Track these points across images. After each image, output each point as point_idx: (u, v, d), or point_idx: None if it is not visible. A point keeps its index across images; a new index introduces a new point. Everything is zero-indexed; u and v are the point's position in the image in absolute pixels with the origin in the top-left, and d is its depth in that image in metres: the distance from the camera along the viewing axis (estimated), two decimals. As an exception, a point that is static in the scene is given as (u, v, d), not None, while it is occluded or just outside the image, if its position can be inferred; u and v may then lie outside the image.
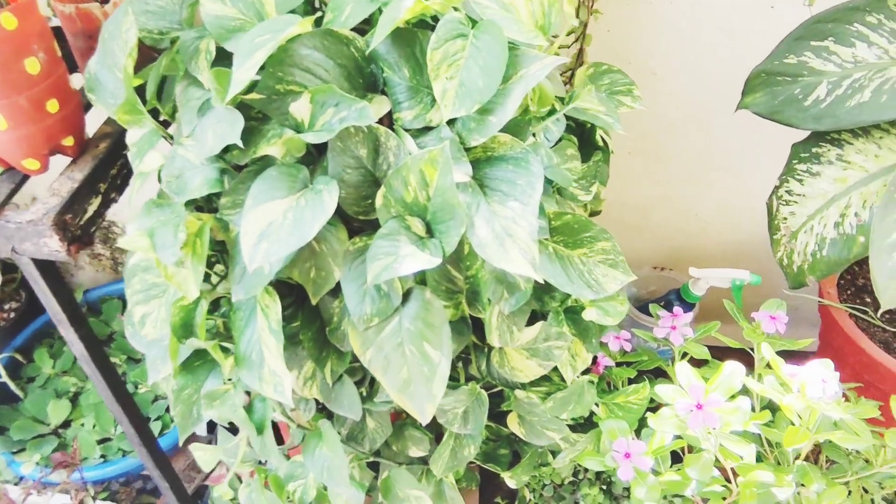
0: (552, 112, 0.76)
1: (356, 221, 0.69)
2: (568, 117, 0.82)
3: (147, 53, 0.79)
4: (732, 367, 0.85)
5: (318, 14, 0.69)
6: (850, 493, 0.98)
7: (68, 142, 0.84)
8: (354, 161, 0.66)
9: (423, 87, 0.66)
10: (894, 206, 0.80)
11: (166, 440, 1.34)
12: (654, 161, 1.28)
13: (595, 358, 1.00)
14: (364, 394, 0.84)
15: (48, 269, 0.88)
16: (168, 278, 0.71)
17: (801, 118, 0.93)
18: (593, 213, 1.32)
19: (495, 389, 0.92)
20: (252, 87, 0.65)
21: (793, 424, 0.85)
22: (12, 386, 1.41)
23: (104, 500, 1.32)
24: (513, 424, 0.94)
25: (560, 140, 0.79)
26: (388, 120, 0.68)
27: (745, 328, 0.98)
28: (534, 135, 0.75)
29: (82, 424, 1.37)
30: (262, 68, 0.64)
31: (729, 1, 1.07)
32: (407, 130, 0.67)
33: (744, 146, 1.18)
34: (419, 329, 0.67)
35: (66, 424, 1.39)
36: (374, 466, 0.96)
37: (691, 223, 1.36)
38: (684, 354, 0.99)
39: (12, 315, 1.48)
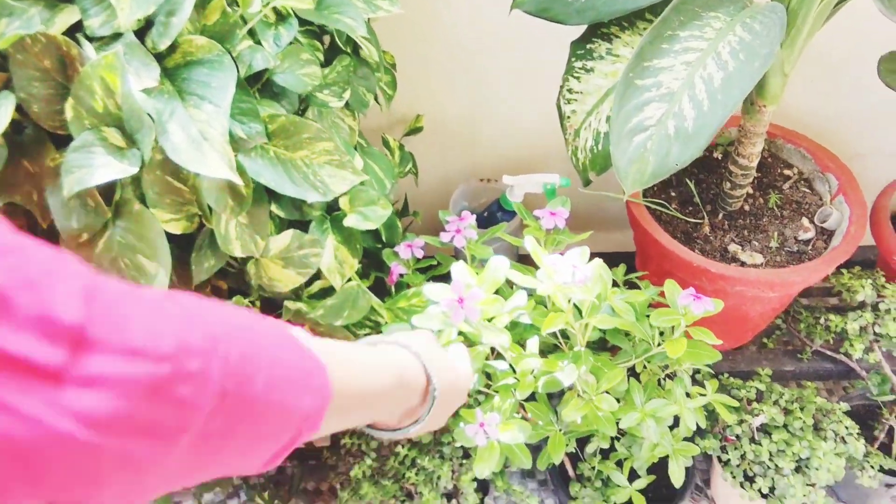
0: (283, 18, 0.75)
1: (66, 136, 0.68)
2: (308, 22, 0.81)
3: None
4: (497, 262, 0.88)
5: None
6: (639, 375, 1.03)
7: None
8: (41, 73, 0.64)
9: (106, -9, 0.64)
10: (633, 92, 0.82)
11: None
12: (472, 73, 1.28)
13: (389, 268, 1.01)
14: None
15: None
16: None
17: (566, 13, 0.94)
18: (414, 131, 1.33)
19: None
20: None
21: (556, 310, 0.88)
22: None
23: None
24: (305, 337, 0.95)
25: (295, 45, 0.78)
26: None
27: (530, 225, 1.01)
28: (256, 40, 0.74)
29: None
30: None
31: None
32: (99, 38, 0.65)
33: (553, 49, 1.17)
34: (131, 242, 0.66)
35: None
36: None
37: (516, 132, 1.37)
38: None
39: None
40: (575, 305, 0.91)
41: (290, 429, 0.43)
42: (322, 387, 0.45)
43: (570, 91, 1.01)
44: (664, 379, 1.02)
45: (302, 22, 0.80)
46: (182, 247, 0.78)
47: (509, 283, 0.91)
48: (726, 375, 1.26)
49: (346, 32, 0.80)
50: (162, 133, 0.63)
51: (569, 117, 1.02)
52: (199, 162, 0.63)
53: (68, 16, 0.65)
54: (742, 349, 1.31)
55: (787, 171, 1.23)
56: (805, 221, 1.15)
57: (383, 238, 1.05)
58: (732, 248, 1.13)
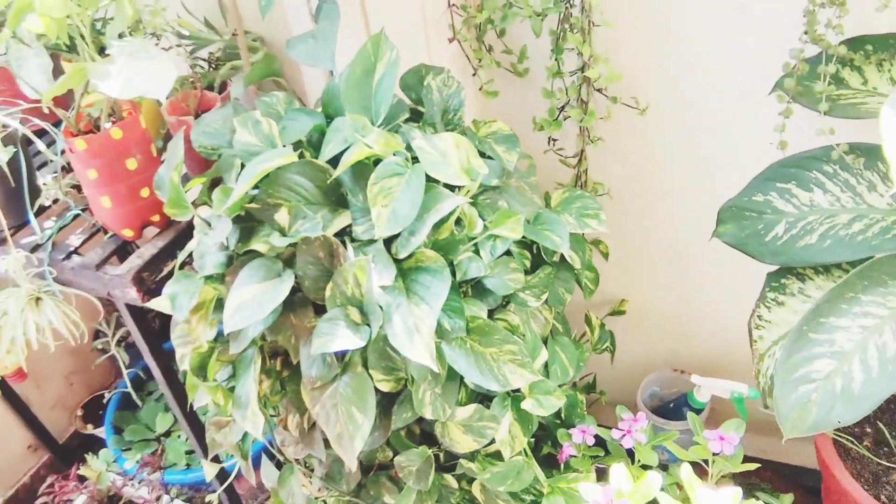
0: (498, 236, 0.93)
1: (322, 305, 0.90)
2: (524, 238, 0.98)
3: (208, 161, 1.05)
4: (652, 478, 0.94)
5: (301, 150, 0.91)
6: None
7: (156, 218, 1.12)
8: (314, 260, 0.86)
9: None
10: (804, 344, 0.87)
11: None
12: (680, 271, 1.37)
13: (561, 447, 1.12)
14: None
15: (135, 310, 1.16)
16: (190, 331, 0.95)
17: (762, 252, 1.01)
18: (616, 313, 1.44)
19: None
20: (253, 198, 0.89)
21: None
22: (134, 397, 1.74)
23: (183, 500, 1.59)
24: (476, 490, 1.08)
25: (507, 256, 0.95)
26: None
27: (699, 443, 1.06)
28: (477, 251, 0.92)
29: (178, 436, 1.67)
30: (259, 185, 0.87)
31: (729, 134, 1.17)
32: (360, 241, 0.87)
33: (757, 264, 1.24)
34: (349, 395, 0.85)
35: (168, 434, 1.70)
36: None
37: (716, 333, 1.42)
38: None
39: (147, 338, 1.83)
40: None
41: None
42: None
43: (759, 318, 1.07)
44: None
45: (518, 234, 0.98)
46: (388, 398, 0.96)
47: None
48: None
49: (551, 248, 0.96)
50: (388, 320, 0.82)
51: (756, 341, 1.07)
52: (409, 348, 0.81)
53: (343, 220, 0.88)
54: None
55: None
56: None
57: (563, 415, 1.17)
58: (923, 503, 1.09)
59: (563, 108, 1.16)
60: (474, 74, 1.20)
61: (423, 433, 1.12)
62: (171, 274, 1.10)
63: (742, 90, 1.11)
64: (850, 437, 1.17)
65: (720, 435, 1.04)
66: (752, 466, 1.04)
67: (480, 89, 1.20)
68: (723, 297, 1.36)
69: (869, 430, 1.20)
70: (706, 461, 1.06)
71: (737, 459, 1.05)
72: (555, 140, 1.21)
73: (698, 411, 1.35)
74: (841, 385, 0.84)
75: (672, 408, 1.39)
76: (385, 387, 0.90)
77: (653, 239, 1.35)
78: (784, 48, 0.95)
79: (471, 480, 1.10)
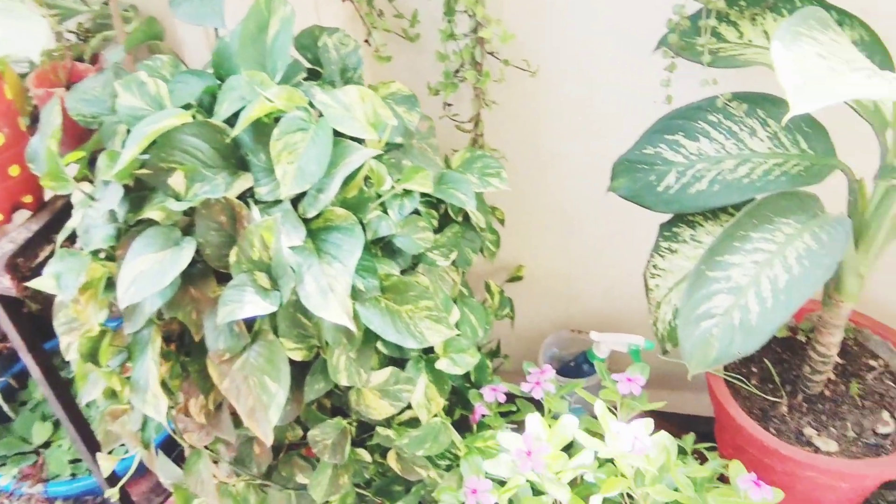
0: (408, 192, 0.91)
1: (226, 273, 0.85)
2: (429, 196, 0.97)
3: (86, 133, 0.97)
4: (568, 421, 0.97)
5: (194, 109, 0.86)
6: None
7: (28, 199, 1.03)
8: (217, 225, 0.82)
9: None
10: (703, 282, 0.91)
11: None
12: (572, 234, 1.41)
13: (473, 407, 1.12)
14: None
15: (9, 303, 1.06)
16: (77, 313, 0.88)
17: (655, 202, 1.06)
18: (514, 279, 1.46)
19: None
20: (143, 164, 0.83)
21: (617, 475, 0.95)
22: (6, 408, 1.60)
23: (69, 513, 1.48)
24: (391, 460, 1.06)
25: (415, 215, 0.94)
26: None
27: (607, 386, 1.09)
28: (385, 209, 0.90)
29: (60, 445, 1.55)
30: (148, 151, 0.81)
31: (619, 92, 1.21)
32: (264, 202, 0.83)
33: (646, 220, 1.29)
34: (261, 364, 0.81)
35: (47, 444, 1.57)
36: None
37: (609, 291, 1.47)
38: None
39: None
40: (640, 470, 0.97)
41: None
42: None
43: (655, 266, 1.11)
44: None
45: (424, 194, 0.97)
46: (298, 371, 0.93)
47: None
48: (801, 559, 1.26)
49: (458, 206, 0.96)
50: (299, 282, 0.79)
51: (652, 290, 1.12)
52: (324, 308, 0.78)
53: (244, 182, 0.84)
54: (819, 534, 1.30)
55: (871, 362, 1.26)
56: (885, 415, 1.17)
57: (472, 378, 1.17)
58: (808, 431, 1.17)
59: (457, 71, 1.16)
60: (366, 41, 1.17)
61: (334, 408, 1.09)
62: (48, 260, 1.02)
63: (631, 48, 1.14)
64: (738, 377, 1.24)
65: (627, 377, 1.07)
66: (661, 404, 1.08)
67: (376, 51, 1.18)
68: (615, 255, 1.41)
69: (755, 369, 1.28)
70: (614, 407, 1.09)
71: (643, 400, 1.09)
72: (450, 105, 1.20)
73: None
74: (739, 318, 0.89)
75: (573, 366, 1.43)
76: (297, 355, 0.87)
77: (544, 202, 1.37)
78: (670, 5, 0.99)
79: (384, 452, 1.08)
